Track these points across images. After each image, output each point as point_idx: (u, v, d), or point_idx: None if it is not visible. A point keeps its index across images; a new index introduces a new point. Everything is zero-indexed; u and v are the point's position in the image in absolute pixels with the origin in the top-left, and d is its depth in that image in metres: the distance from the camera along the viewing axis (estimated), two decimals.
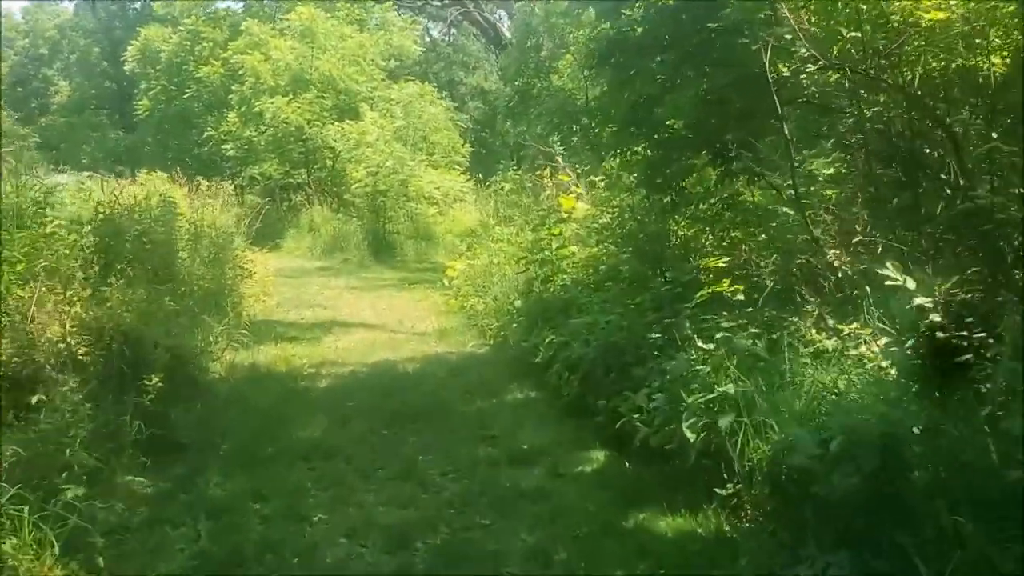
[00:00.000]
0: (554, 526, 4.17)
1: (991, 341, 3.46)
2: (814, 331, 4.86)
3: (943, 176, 5.24)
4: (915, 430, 3.24)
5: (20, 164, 8.99)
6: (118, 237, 6.36)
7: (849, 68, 5.29)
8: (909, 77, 5.20)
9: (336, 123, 18.42)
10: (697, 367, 4.78)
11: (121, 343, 5.00)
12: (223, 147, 19.90)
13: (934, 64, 5.12)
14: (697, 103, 6.21)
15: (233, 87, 20.32)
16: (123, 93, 29.52)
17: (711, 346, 5.02)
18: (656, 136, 6.70)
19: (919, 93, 5.17)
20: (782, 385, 4.30)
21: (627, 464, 4.81)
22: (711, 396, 4.22)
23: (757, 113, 5.90)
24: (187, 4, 24.68)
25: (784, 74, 5.47)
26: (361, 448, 5.37)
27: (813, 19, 5.42)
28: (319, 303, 11.26)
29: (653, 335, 5.71)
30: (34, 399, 4.24)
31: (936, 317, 3.68)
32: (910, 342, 3.61)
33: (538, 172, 12.03)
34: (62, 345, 4.78)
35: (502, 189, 15.59)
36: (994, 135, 4.72)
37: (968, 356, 3.43)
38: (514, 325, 8.17)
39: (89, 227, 5.98)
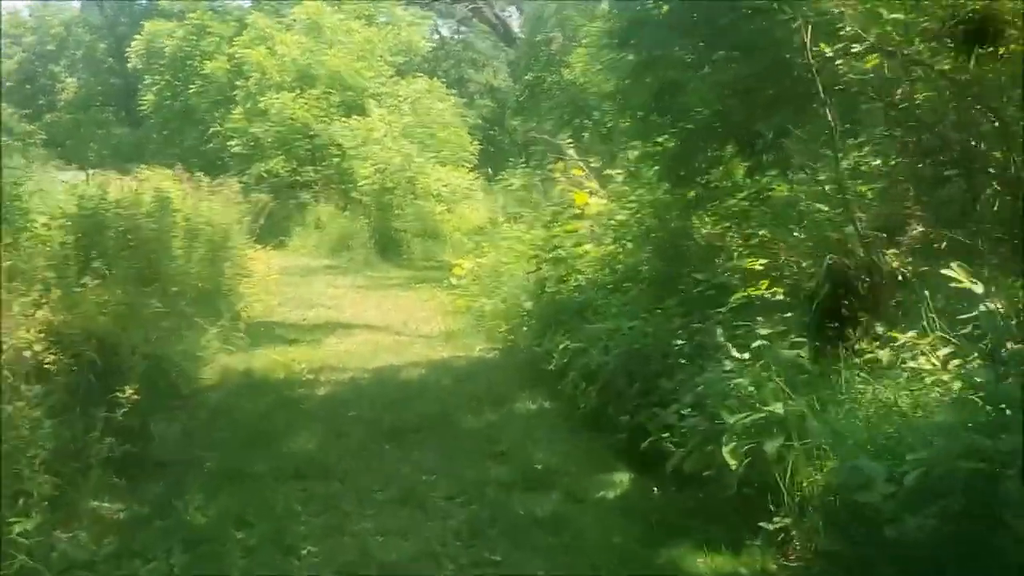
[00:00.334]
0: (574, 561, 3.67)
1: None
2: (864, 340, 4.35)
3: (992, 170, 4.76)
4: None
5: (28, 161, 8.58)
6: (99, 234, 5.88)
7: (901, 52, 4.79)
8: (959, 63, 4.68)
9: (343, 119, 18.00)
10: (734, 379, 4.28)
11: (94, 350, 4.51)
12: (229, 144, 19.51)
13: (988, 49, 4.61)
14: (725, 88, 5.71)
15: (238, 83, 19.92)
16: (129, 89, 29.15)
17: (746, 355, 4.54)
18: (680, 125, 6.20)
19: (969, 80, 4.66)
20: (835, 403, 3.78)
21: (655, 489, 4.29)
22: (756, 416, 3.69)
23: (792, 100, 5.42)
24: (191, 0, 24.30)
25: (827, 54, 4.96)
26: (358, 466, 4.86)
27: None
28: (323, 303, 10.85)
29: (679, 341, 5.23)
30: None
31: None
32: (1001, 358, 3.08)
33: (549, 167, 11.52)
34: (27, 353, 4.30)
35: (511, 186, 15.14)
36: None
37: None
38: (525, 328, 7.67)
39: (60, 222, 5.46)
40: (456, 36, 34.89)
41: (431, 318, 9.62)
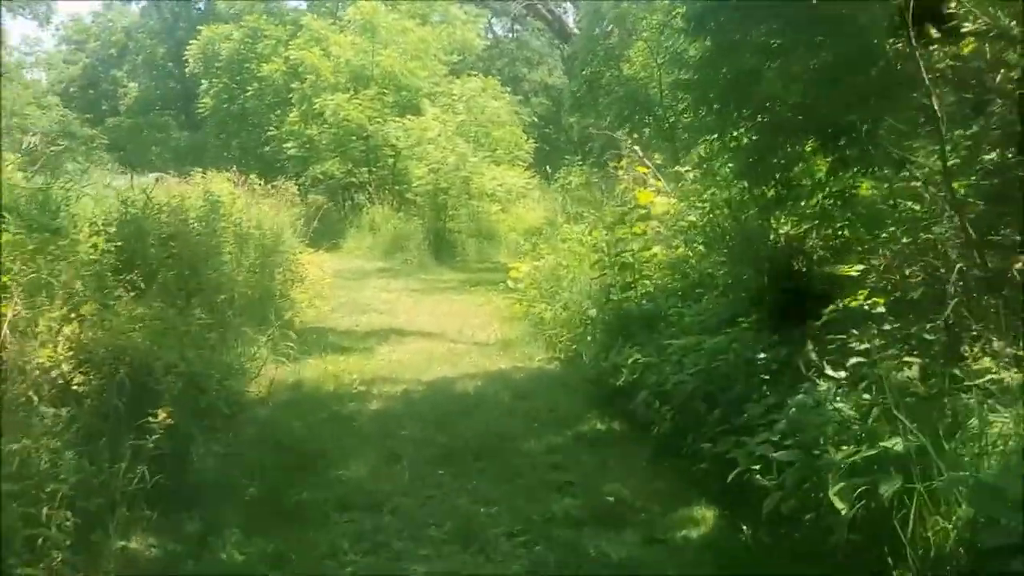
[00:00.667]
0: None
1: None
2: (985, 359, 3.78)
3: None
4: None
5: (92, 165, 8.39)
6: (140, 242, 5.57)
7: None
8: None
9: (397, 119, 17.72)
10: (831, 404, 3.76)
11: (125, 370, 4.16)
12: (285, 146, 19.41)
13: None
14: (809, 77, 5.16)
15: (294, 85, 19.82)
16: (188, 93, 29.45)
17: (842, 374, 4.01)
18: (760, 118, 5.65)
19: None
20: (956, 437, 3.23)
21: (745, 529, 3.77)
22: (869, 453, 3.15)
23: (886, 89, 4.87)
24: (249, 2, 24.32)
25: (934, 35, 4.39)
26: (411, 496, 4.43)
27: None
28: (376, 308, 10.52)
29: (762, 356, 4.71)
30: (8, 447, 3.41)
31: None
32: None
33: (612, 163, 10.97)
34: (55, 373, 3.98)
35: (569, 184, 14.65)
36: None
37: None
38: (589, 339, 7.17)
39: (95, 229, 5.14)
40: (510, 34, 34.56)
41: (487, 324, 9.19)
